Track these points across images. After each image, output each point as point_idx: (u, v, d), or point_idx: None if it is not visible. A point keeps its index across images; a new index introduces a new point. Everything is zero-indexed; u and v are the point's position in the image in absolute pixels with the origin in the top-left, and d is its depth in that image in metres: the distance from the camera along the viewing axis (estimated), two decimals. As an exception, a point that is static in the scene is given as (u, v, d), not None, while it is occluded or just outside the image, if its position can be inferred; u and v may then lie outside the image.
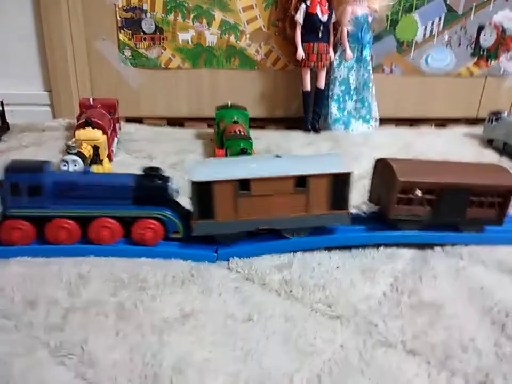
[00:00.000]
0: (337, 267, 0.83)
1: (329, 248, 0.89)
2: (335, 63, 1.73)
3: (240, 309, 0.71)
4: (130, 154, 1.40)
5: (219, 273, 0.80)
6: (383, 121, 1.83)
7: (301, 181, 0.82)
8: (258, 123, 1.79)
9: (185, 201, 0.86)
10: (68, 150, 1.01)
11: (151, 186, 0.84)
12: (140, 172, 0.86)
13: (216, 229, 0.83)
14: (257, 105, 1.84)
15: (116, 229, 0.83)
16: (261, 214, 0.83)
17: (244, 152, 1.10)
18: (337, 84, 1.74)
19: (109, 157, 1.26)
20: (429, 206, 0.88)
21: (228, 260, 0.85)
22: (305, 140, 1.64)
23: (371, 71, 1.75)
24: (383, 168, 0.94)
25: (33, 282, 0.73)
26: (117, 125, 1.48)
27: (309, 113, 1.77)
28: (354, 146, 1.57)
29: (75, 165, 1.00)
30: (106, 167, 1.19)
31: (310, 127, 1.76)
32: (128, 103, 1.59)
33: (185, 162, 1.33)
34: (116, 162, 1.31)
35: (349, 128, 1.75)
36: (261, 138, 1.52)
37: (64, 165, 0.99)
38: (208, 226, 0.83)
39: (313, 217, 0.85)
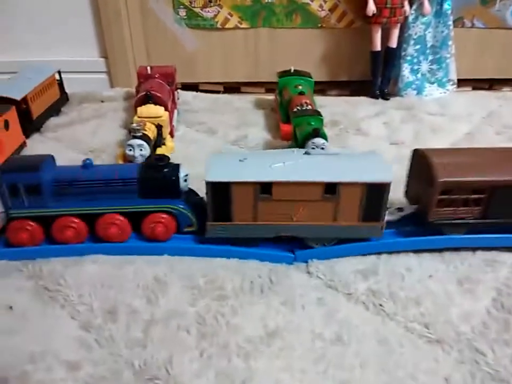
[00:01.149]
0: (430, 276, 0.75)
1: (416, 251, 0.80)
2: (411, 18, 1.54)
3: (327, 326, 0.65)
4: (190, 127, 1.33)
5: (298, 278, 0.75)
6: (458, 83, 1.65)
7: (331, 188, 0.73)
8: (319, 86, 1.66)
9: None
10: (132, 133, 0.95)
11: (157, 178, 0.77)
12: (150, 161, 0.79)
13: (231, 233, 0.77)
14: (319, 68, 1.70)
15: (124, 225, 0.78)
16: (282, 220, 0.75)
17: (316, 133, 1.01)
18: (411, 42, 1.56)
19: (171, 133, 1.21)
20: (477, 207, 0.76)
21: (306, 262, 0.79)
22: (373, 108, 1.50)
23: (451, 27, 1.56)
24: (420, 161, 0.80)
25: (110, 288, 0.70)
26: (175, 94, 1.41)
27: (378, 77, 1.62)
28: (430, 116, 1.43)
29: (141, 149, 0.94)
30: (169, 145, 1.14)
31: (378, 92, 1.62)
32: (183, 68, 1.50)
33: (248, 138, 1.26)
34: (177, 138, 1.25)
35: (422, 93, 1.59)
36: (325, 106, 1.40)
37: (130, 150, 0.94)
38: (223, 229, 0.76)
39: (341, 227, 0.76)
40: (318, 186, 0.72)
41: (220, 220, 0.75)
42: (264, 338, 0.62)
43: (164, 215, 0.78)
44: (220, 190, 0.73)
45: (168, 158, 0.79)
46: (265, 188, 0.73)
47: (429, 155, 0.78)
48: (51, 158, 0.79)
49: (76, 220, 0.77)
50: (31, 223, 0.76)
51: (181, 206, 0.78)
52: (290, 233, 0.77)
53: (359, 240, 0.79)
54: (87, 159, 0.78)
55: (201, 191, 0.93)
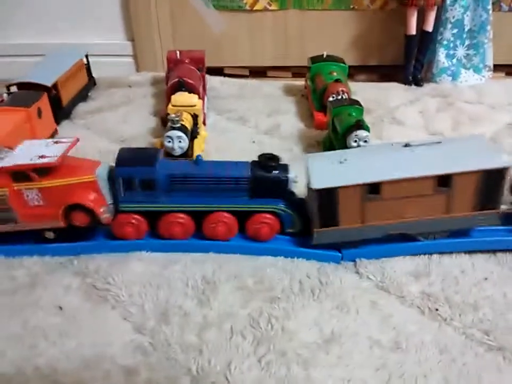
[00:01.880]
0: (486, 279, 0.72)
1: (468, 251, 0.78)
2: (448, 0, 1.48)
3: (384, 332, 0.63)
4: (221, 115, 1.30)
5: (349, 279, 0.73)
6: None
7: (444, 180, 0.70)
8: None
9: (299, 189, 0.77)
10: (171, 124, 0.92)
11: (269, 178, 0.75)
12: (255, 158, 0.77)
13: (339, 237, 0.74)
14: (348, 51, 1.65)
15: (232, 224, 0.77)
16: (392, 218, 0.73)
17: (359, 125, 0.97)
18: (448, 26, 1.50)
19: (203, 121, 1.18)
20: None
21: (354, 261, 0.77)
22: (407, 95, 1.46)
23: (490, 11, 1.49)
24: None
25: (159, 288, 0.69)
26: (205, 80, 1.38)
27: (411, 62, 1.56)
28: (467, 104, 1.38)
29: (180, 141, 0.92)
30: (203, 134, 1.11)
31: (410, 78, 1.56)
32: (208, 52, 1.46)
33: (281, 127, 1.22)
34: (209, 126, 1.22)
35: (457, 79, 1.53)
36: (355, 92, 1.35)
37: (169, 141, 0.92)
38: (330, 235, 0.74)
39: (455, 219, 0.73)
40: (430, 180, 0.70)
41: (326, 225, 0.73)
42: (321, 345, 0.61)
43: (269, 216, 0.77)
44: (326, 196, 0.70)
45: (278, 157, 0.77)
46: (374, 188, 0.70)
47: None
48: (160, 151, 0.77)
49: (184, 216, 0.76)
50: (137, 217, 0.76)
51: (286, 207, 0.77)
52: (400, 231, 0.75)
53: (409, 239, 0.77)
54: (199, 155, 0.76)
55: None
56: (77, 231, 0.75)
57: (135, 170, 0.72)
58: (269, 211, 0.77)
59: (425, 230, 0.75)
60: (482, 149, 0.74)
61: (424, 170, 0.70)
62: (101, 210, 0.73)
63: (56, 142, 0.76)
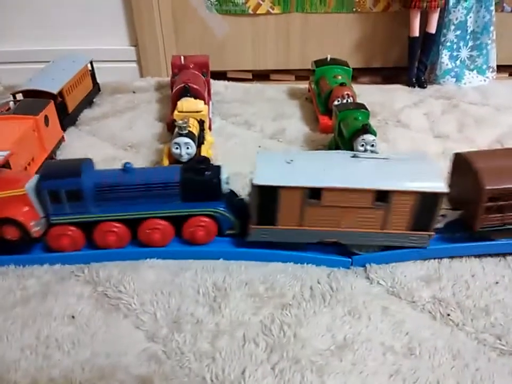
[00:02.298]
0: (497, 282, 0.73)
1: (478, 255, 0.78)
2: (451, 2, 1.48)
3: (397, 337, 0.63)
4: (225, 119, 1.30)
5: (359, 285, 0.73)
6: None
7: (382, 196, 0.70)
8: (351, 73, 1.61)
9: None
10: (178, 130, 0.93)
11: (199, 181, 0.75)
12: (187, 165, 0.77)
13: (275, 237, 0.75)
14: (352, 54, 1.65)
15: (167, 229, 0.76)
16: (328, 226, 0.73)
17: (366, 130, 0.97)
18: (452, 27, 1.50)
19: (209, 127, 1.18)
20: None
21: (364, 266, 0.77)
22: (411, 97, 1.46)
23: (493, 12, 1.49)
24: (463, 166, 0.77)
25: (170, 296, 0.69)
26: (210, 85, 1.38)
27: (415, 64, 1.56)
28: (472, 106, 1.38)
29: (187, 148, 0.92)
30: (209, 140, 1.11)
31: (414, 80, 1.56)
32: (212, 56, 1.46)
33: (286, 131, 1.23)
34: (214, 131, 1.22)
35: (461, 80, 1.54)
36: (359, 95, 1.35)
37: (177, 148, 0.92)
38: (267, 233, 0.74)
39: (389, 235, 0.74)
40: (369, 194, 0.70)
41: (263, 223, 0.74)
42: (334, 352, 0.61)
43: (205, 219, 0.76)
44: (267, 193, 0.70)
45: (209, 160, 0.77)
46: (315, 193, 0.70)
47: (472, 160, 0.74)
48: (90, 162, 0.77)
49: (117, 225, 0.75)
50: (72, 228, 0.75)
51: (223, 209, 0.76)
52: (335, 239, 0.75)
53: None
54: (127, 162, 0.75)
55: (239, 189, 0.92)
56: (10, 244, 0.74)
57: (60, 182, 0.71)
58: (204, 214, 0.76)
59: (358, 242, 0.76)
60: (426, 169, 0.73)
61: (366, 183, 0.70)
62: (31, 224, 0.72)
63: None
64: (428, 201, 0.70)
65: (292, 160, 0.73)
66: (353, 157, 0.75)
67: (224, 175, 0.76)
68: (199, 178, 0.75)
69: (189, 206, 0.76)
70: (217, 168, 0.76)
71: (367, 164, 0.74)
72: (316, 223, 0.73)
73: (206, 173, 0.75)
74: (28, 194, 0.72)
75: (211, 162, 0.77)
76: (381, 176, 0.71)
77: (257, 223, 0.74)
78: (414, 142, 1.18)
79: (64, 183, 0.71)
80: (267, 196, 0.70)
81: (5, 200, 0.72)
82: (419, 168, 0.74)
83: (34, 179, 0.73)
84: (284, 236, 0.75)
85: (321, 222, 0.73)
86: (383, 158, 0.75)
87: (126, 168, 0.75)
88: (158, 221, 0.76)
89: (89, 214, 0.74)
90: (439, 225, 0.76)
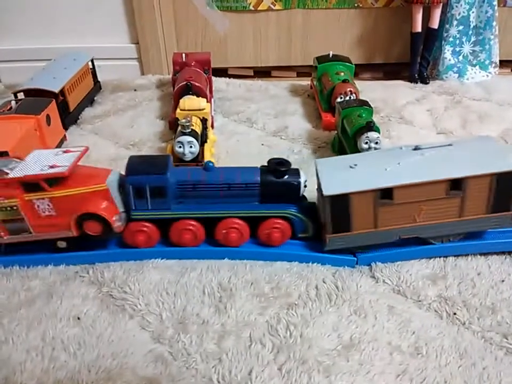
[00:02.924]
0: (503, 281, 0.72)
1: (484, 253, 0.78)
2: (454, -3, 1.48)
3: (403, 337, 0.63)
4: (227, 117, 1.29)
5: (365, 284, 0.72)
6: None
7: (456, 184, 0.69)
8: (352, 69, 1.60)
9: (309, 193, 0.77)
10: (181, 129, 0.92)
11: (280, 183, 0.75)
12: (266, 163, 0.77)
13: (352, 242, 0.74)
14: (353, 50, 1.65)
15: (244, 230, 0.76)
16: (404, 222, 0.73)
17: (370, 127, 0.96)
18: (454, 23, 1.49)
19: (211, 125, 1.17)
20: None
21: (369, 265, 0.77)
22: (413, 93, 1.45)
23: (496, 7, 1.48)
24: None
25: (176, 296, 0.69)
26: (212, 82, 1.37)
27: (417, 59, 1.55)
28: (475, 101, 1.37)
29: (190, 146, 0.91)
30: (212, 138, 1.10)
31: (416, 75, 1.55)
32: (213, 52, 1.46)
33: (289, 128, 1.22)
34: (216, 129, 1.22)
35: (463, 76, 1.53)
36: (361, 91, 1.35)
37: (180, 147, 0.91)
38: (343, 240, 0.74)
39: (468, 222, 0.73)
40: (442, 184, 0.69)
41: (339, 231, 0.73)
42: (341, 352, 0.61)
43: (281, 221, 0.76)
44: (338, 202, 0.70)
45: (289, 162, 0.77)
46: (386, 193, 0.70)
47: None
48: (169, 158, 0.77)
49: (194, 223, 0.76)
50: (148, 225, 0.75)
51: (298, 212, 0.76)
52: (413, 235, 0.75)
53: (423, 243, 0.77)
54: (208, 161, 0.76)
55: None
56: (88, 240, 0.75)
57: (146, 179, 0.72)
58: (280, 216, 0.76)
59: (438, 233, 0.75)
60: (493, 150, 0.73)
61: (436, 174, 0.69)
62: (114, 218, 0.72)
63: (65, 151, 0.76)
64: (503, 181, 0.69)
65: (355, 165, 0.72)
66: (415, 149, 0.74)
67: (303, 178, 0.75)
68: (280, 181, 0.75)
69: (266, 207, 0.76)
70: (297, 171, 0.76)
71: (431, 154, 0.73)
72: (392, 222, 0.73)
73: (286, 175, 0.75)
74: (109, 189, 0.71)
75: (290, 164, 0.76)
76: (450, 164, 0.70)
77: (333, 231, 0.73)
78: (418, 138, 1.18)
79: (150, 179, 0.72)
80: (339, 204, 0.70)
81: (85, 195, 0.71)
82: (485, 150, 0.73)
83: (114, 174, 0.73)
84: (361, 240, 0.74)
85: (397, 220, 0.73)
86: (446, 145, 0.74)
87: (208, 167, 0.75)
88: (235, 220, 0.76)
89: (170, 211, 0.74)
90: None
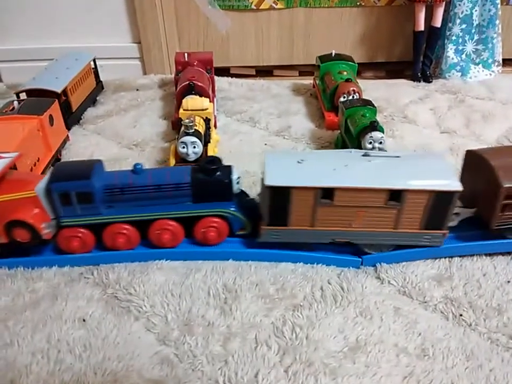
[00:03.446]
0: (508, 281, 0.72)
1: (489, 253, 0.77)
2: (457, -4, 1.47)
3: (410, 338, 0.63)
4: (230, 117, 1.29)
5: (370, 285, 0.72)
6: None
7: (396, 195, 0.69)
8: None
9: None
10: (185, 129, 0.92)
11: (211, 181, 0.74)
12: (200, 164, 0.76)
13: (286, 237, 0.74)
14: (355, 49, 1.64)
15: (177, 231, 0.76)
16: (340, 226, 0.73)
17: (374, 127, 0.96)
18: (457, 21, 1.48)
19: (214, 125, 1.17)
20: None
21: (374, 266, 0.76)
22: (416, 92, 1.45)
23: (499, 5, 1.47)
24: (476, 164, 0.76)
25: (181, 297, 0.69)
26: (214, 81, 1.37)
27: (420, 58, 1.55)
28: (479, 100, 1.37)
29: (194, 147, 0.91)
30: (215, 138, 1.10)
31: (419, 74, 1.55)
32: (215, 52, 1.45)
33: (292, 128, 1.22)
34: (219, 129, 1.21)
35: (466, 75, 1.52)
36: (364, 90, 1.34)
37: (183, 147, 0.91)
38: (278, 234, 0.74)
39: (402, 234, 0.73)
40: (382, 193, 0.69)
41: (275, 224, 0.73)
42: (347, 354, 0.61)
43: (216, 219, 0.76)
44: (278, 194, 0.70)
45: (220, 160, 0.76)
46: (327, 193, 0.70)
47: (486, 157, 0.74)
48: (100, 163, 0.76)
49: (127, 227, 0.75)
50: (82, 230, 0.74)
51: (233, 210, 0.76)
52: (347, 239, 0.75)
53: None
54: (137, 163, 0.75)
55: (249, 188, 0.91)
56: (21, 246, 0.73)
57: (70, 185, 0.70)
58: (215, 215, 0.75)
59: (370, 241, 0.75)
60: (440, 169, 0.72)
61: (378, 182, 0.69)
62: (42, 226, 0.71)
63: None
64: (442, 199, 0.69)
65: (302, 160, 0.72)
66: (364, 155, 0.74)
67: (235, 175, 0.75)
68: (210, 179, 0.74)
69: (200, 207, 0.75)
70: (228, 168, 0.76)
71: (378, 162, 0.73)
72: (328, 223, 0.73)
73: (217, 173, 0.74)
74: (38, 196, 0.71)
75: (222, 162, 0.76)
76: (394, 175, 0.70)
77: (269, 223, 0.73)
78: (421, 137, 1.17)
79: (74, 185, 0.70)
80: (279, 197, 0.70)
81: (14, 202, 0.71)
82: (432, 166, 0.73)
83: (43, 181, 0.72)
84: (295, 237, 0.74)
85: (333, 222, 0.73)
86: (395, 156, 0.74)
87: (136, 169, 0.74)
88: (167, 222, 0.75)
89: (100, 216, 0.73)
90: (453, 223, 0.75)
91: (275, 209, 0.71)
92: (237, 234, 0.78)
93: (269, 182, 0.69)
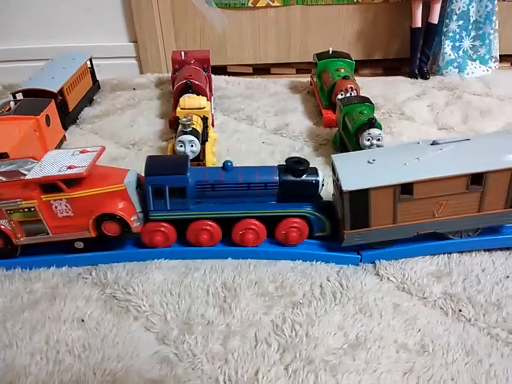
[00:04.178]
0: (507, 277, 0.72)
1: (488, 249, 0.77)
2: (454, -8, 1.47)
3: (409, 335, 0.63)
4: (228, 115, 1.29)
5: (369, 282, 0.72)
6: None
7: (477, 178, 0.69)
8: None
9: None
10: (182, 128, 0.92)
11: (299, 182, 0.74)
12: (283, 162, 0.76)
13: (370, 238, 0.74)
14: (353, 46, 1.64)
15: (261, 230, 0.76)
16: (423, 218, 0.72)
17: (372, 124, 0.96)
18: (454, 17, 1.48)
19: (211, 123, 1.17)
20: None
21: (373, 263, 0.76)
22: (414, 89, 1.45)
23: (496, 1, 1.48)
24: None
25: (180, 297, 0.68)
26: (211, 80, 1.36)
27: (417, 55, 1.55)
28: (476, 96, 1.37)
29: (192, 145, 0.91)
30: (212, 136, 1.10)
31: (416, 71, 1.55)
32: (212, 50, 1.45)
33: (289, 126, 1.21)
34: (217, 127, 1.21)
35: (463, 71, 1.52)
36: (362, 87, 1.34)
37: (181, 146, 0.91)
38: (361, 236, 0.73)
39: (487, 216, 0.73)
40: (462, 179, 0.69)
41: (357, 227, 0.72)
42: (347, 351, 0.60)
43: (298, 220, 0.76)
44: (357, 197, 0.69)
45: (307, 162, 0.76)
46: (406, 188, 0.69)
47: None
48: (188, 159, 0.76)
49: (212, 224, 0.75)
50: (166, 225, 0.75)
51: (316, 211, 0.76)
52: (432, 230, 0.74)
53: (428, 239, 0.77)
54: (227, 161, 0.75)
55: None
56: (105, 241, 0.74)
57: (166, 179, 0.71)
58: (298, 215, 0.76)
59: (456, 228, 0.75)
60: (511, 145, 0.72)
61: (456, 169, 0.69)
62: (132, 219, 0.72)
63: (82, 151, 0.75)
64: None
65: (374, 160, 0.71)
66: (432, 144, 0.73)
67: (321, 177, 0.75)
68: (299, 180, 0.74)
69: (284, 207, 0.75)
70: (315, 170, 0.76)
71: (450, 149, 0.72)
72: (411, 217, 0.72)
73: (305, 174, 0.74)
74: (127, 189, 0.71)
75: (309, 163, 0.76)
76: (471, 159, 0.69)
77: (351, 227, 0.72)
78: (419, 134, 1.17)
79: (170, 179, 0.71)
80: (358, 200, 0.69)
81: (102, 196, 0.71)
82: (504, 144, 0.72)
83: (131, 174, 0.73)
84: (379, 236, 0.73)
85: (416, 215, 0.72)
86: (465, 140, 0.73)
87: (227, 167, 0.74)
88: (252, 221, 0.75)
89: (188, 211, 0.74)
90: None
91: (356, 212, 0.71)
92: (316, 235, 0.78)
93: (347, 186, 0.68)
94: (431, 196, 0.70)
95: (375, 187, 0.68)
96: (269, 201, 0.75)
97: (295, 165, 0.74)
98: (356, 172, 0.71)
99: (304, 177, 0.74)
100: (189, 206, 0.73)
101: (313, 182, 0.74)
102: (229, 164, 0.74)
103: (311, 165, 0.76)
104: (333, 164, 0.74)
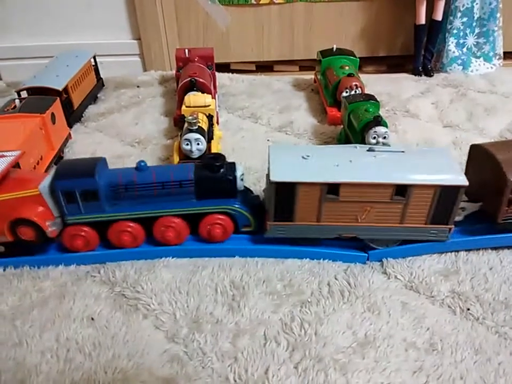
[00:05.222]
0: (515, 275, 0.72)
1: (495, 247, 0.78)
2: (458, -11, 1.46)
3: (418, 333, 0.63)
4: (232, 113, 1.29)
5: (377, 280, 0.72)
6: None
7: (401, 190, 0.69)
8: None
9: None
10: (188, 126, 0.91)
11: (214, 178, 0.74)
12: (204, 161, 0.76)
13: (292, 233, 0.74)
14: (356, 43, 1.64)
15: (181, 228, 0.75)
16: (346, 221, 0.73)
17: (378, 122, 0.96)
18: (458, 14, 1.48)
19: (216, 121, 1.16)
20: None
21: (380, 261, 0.77)
22: (418, 86, 1.45)
23: (500, -2, 1.47)
24: (481, 158, 0.76)
25: (188, 295, 0.69)
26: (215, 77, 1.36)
27: (421, 52, 1.55)
28: (480, 94, 1.37)
29: (198, 144, 0.91)
30: (217, 134, 1.10)
31: (421, 68, 1.54)
32: (215, 47, 1.44)
33: (294, 123, 1.21)
34: (222, 125, 1.21)
35: (468, 68, 1.52)
36: (366, 84, 1.34)
37: (187, 144, 0.91)
38: (284, 230, 0.74)
39: (408, 229, 0.73)
40: (388, 188, 0.69)
41: (281, 220, 0.73)
42: (356, 349, 0.61)
43: (221, 216, 0.76)
44: (284, 190, 0.70)
45: (224, 157, 0.76)
46: (333, 188, 0.69)
47: (492, 151, 0.73)
48: (103, 161, 0.75)
49: (132, 224, 0.75)
50: (86, 229, 0.74)
51: (238, 206, 0.76)
52: (353, 234, 0.75)
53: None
54: (141, 161, 0.74)
55: (253, 184, 0.92)
56: (28, 245, 0.74)
57: (75, 183, 0.70)
58: (220, 211, 0.75)
59: (377, 236, 0.75)
60: (444, 163, 0.72)
61: (383, 177, 0.69)
62: (47, 224, 0.71)
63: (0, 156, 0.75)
64: (448, 194, 0.69)
65: (308, 156, 0.72)
66: (369, 150, 0.74)
67: (239, 172, 0.75)
68: (214, 176, 0.74)
69: (204, 204, 0.75)
70: (232, 165, 0.75)
71: (383, 157, 0.72)
72: (334, 219, 0.73)
73: (221, 170, 0.74)
74: (42, 194, 0.71)
75: (225, 158, 0.76)
76: (399, 170, 0.70)
77: (275, 219, 0.73)
78: (424, 132, 1.17)
79: (78, 183, 0.70)
80: (285, 192, 0.70)
81: (19, 200, 0.71)
82: (437, 160, 0.73)
83: (47, 179, 0.72)
84: (302, 232, 0.74)
85: (339, 217, 0.72)
86: (399, 151, 0.74)
87: (140, 167, 0.74)
88: (171, 219, 0.75)
89: (104, 214, 0.73)
90: (459, 218, 0.75)
91: (281, 204, 0.71)
92: (242, 231, 0.78)
93: (275, 177, 0.69)
94: (356, 200, 0.70)
95: (302, 182, 0.68)
96: (188, 199, 0.74)
97: (211, 161, 0.74)
98: (287, 164, 0.71)
99: (220, 173, 0.74)
100: (105, 208, 0.72)
101: (230, 177, 0.74)
102: (142, 163, 0.73)
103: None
104: (268, 153, 0.73)
